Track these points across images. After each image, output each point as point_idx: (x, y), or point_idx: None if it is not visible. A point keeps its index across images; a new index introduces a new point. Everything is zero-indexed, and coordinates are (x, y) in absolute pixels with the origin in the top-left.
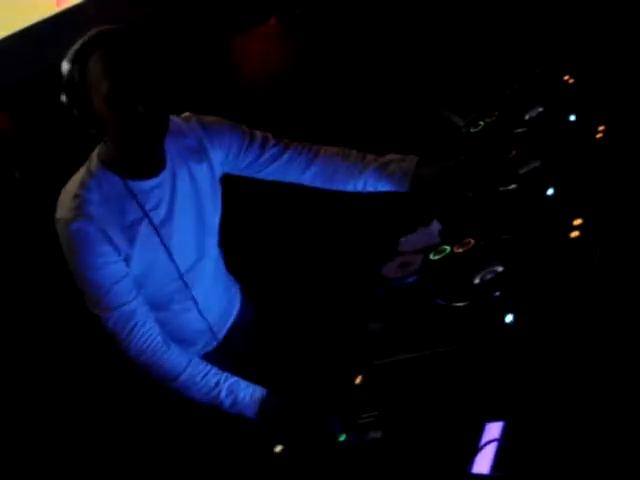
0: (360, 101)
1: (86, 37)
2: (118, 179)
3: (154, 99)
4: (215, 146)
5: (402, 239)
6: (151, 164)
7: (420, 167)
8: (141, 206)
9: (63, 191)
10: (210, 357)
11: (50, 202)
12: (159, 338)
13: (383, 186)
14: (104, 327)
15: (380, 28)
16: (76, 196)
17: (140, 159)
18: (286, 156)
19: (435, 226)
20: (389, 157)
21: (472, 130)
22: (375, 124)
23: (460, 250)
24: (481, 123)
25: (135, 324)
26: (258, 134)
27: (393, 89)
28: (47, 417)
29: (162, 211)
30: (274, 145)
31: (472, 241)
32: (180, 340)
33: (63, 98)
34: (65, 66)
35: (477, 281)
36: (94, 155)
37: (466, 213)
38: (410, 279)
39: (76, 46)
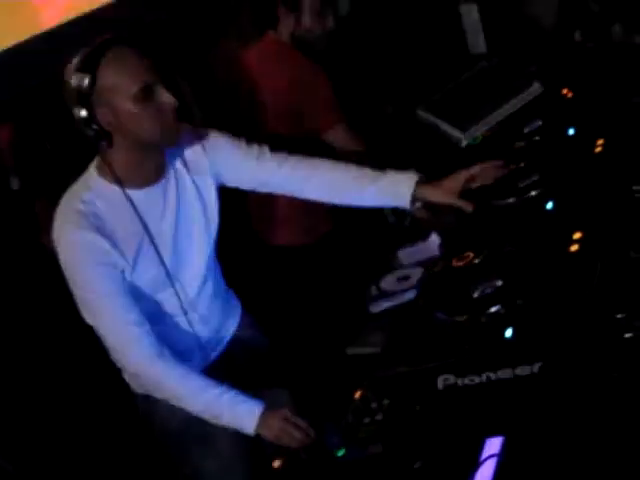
0: (358, 115)
1: (92, 47)
2: (117, 190)
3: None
4: (213, 159)
5: (401, 252)
6: (151, 174)
7: (419, 184)
8: (139, 217)
9: (60, 204)
10: (209, 371)
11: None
12: (157, 351)
13: (382, 202)
14: (101, 338)
15: (378, 40)
16: (74, 209)
17: (145, 166)
18: (283, 170)
19: (434, 239)
20: (389, 173)
21: (471, 144)
22: (374, 138)
23: (460, 264)
24: (480, 137)
25: (132, 336)
26: (255, 147)
27: (391, 103)
28: (45, 429)
29: (160, 222)
30: (271, 159)
31: (471, 255)
32: (178, 354)
33: (83, 112)
34: (74, 76)
35: (476, 295)
36: (92, 167)
37: (465, 227)
38: (409, 292)
39: (85, 57)
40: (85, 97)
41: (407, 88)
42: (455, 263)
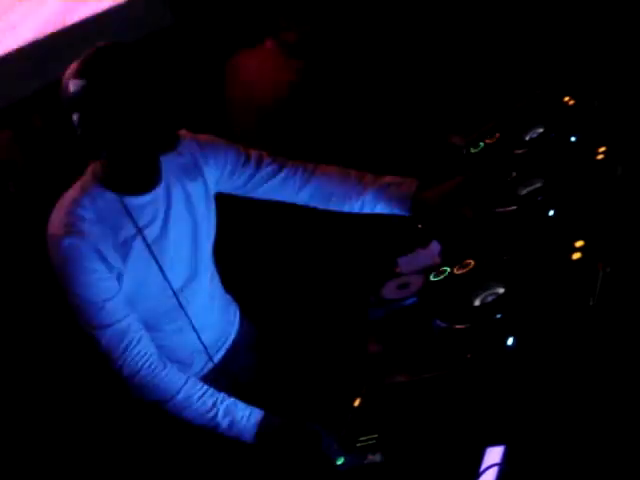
0: (359, 120)
1: (90, 53)
2: (113, 196)
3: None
4: (210, 164)
5: (401, 260)
6: (147, 179)
7: (419, 190)
8: (135, 222)
9: (55, 208)
10: (207, 379)
11: (45, 218)
12: (154, 357)
13: (381, 208)
14: (97, 346)
15: (379, 46)
16: (69, 213)
17: (141, 172)
18: (281, 175)
19: (434, 247)
20: (388, 179)
21: (472, 151)
22: (374, 144)
23: (460, 272)
24: (481, 144)
25: (129, 342)
26: (253, 153)
27: (392, 110)
28: (42, 440)
29: (156, 228)
30: (269, 164)
31: (472, 262)
32: (175, 361)
33: (75, 117)
34: (72, 83)
35: (478, 303)
36: (88, 172)
37: (466, 234)
38: (409, 300)
39: (82, 63)
40: (84, 104)
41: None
42: (456, 271)
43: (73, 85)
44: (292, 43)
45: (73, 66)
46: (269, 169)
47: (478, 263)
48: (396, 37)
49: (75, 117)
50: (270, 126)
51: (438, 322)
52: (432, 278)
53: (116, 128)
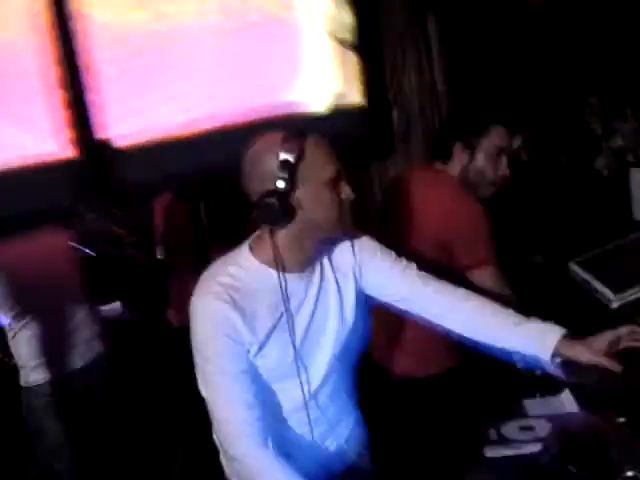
0: (506, 261)
1: (292, 128)
2: (268, 271)
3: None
4: (360, 261)
5: (527, 402)
6: (303, 260)
7: (565, 338)
8: (285, 301)
9: (205, 275)
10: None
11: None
12: (263, 439)
13: (523, 348)
14: (210, 413)
15: (540, 189)
16: (219, 281)
17: (305, 253)
18: (429, 290)
19: (566, 396)
20: (533, 320)
21: (614, 306)
22: (520, 286)
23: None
24: (632, 297)
25: (243, 418)
26: (404, 260)
27: (542, 253)
28: None
29: (298, 311)
30: (418, 275)
31: (614, 415)
32: (285, 455)
33: (282, 184)
34: (281, 150)
35: (615, 457)
36: (244, 246)
37: (609, 386)
38: (533, 445)
39: (288, 136)
40: (289, 171)
41: (560, 241)
42: (594, 422)
43: (283, 153)
44: (461, 173)
45: (274, 139)
46: (417, 281)
47: (620, 416)
48: (563, 180)
49: (279, 184)
50: (417, 244)
51: (571, 469)
52: None
53: (308, 203)
